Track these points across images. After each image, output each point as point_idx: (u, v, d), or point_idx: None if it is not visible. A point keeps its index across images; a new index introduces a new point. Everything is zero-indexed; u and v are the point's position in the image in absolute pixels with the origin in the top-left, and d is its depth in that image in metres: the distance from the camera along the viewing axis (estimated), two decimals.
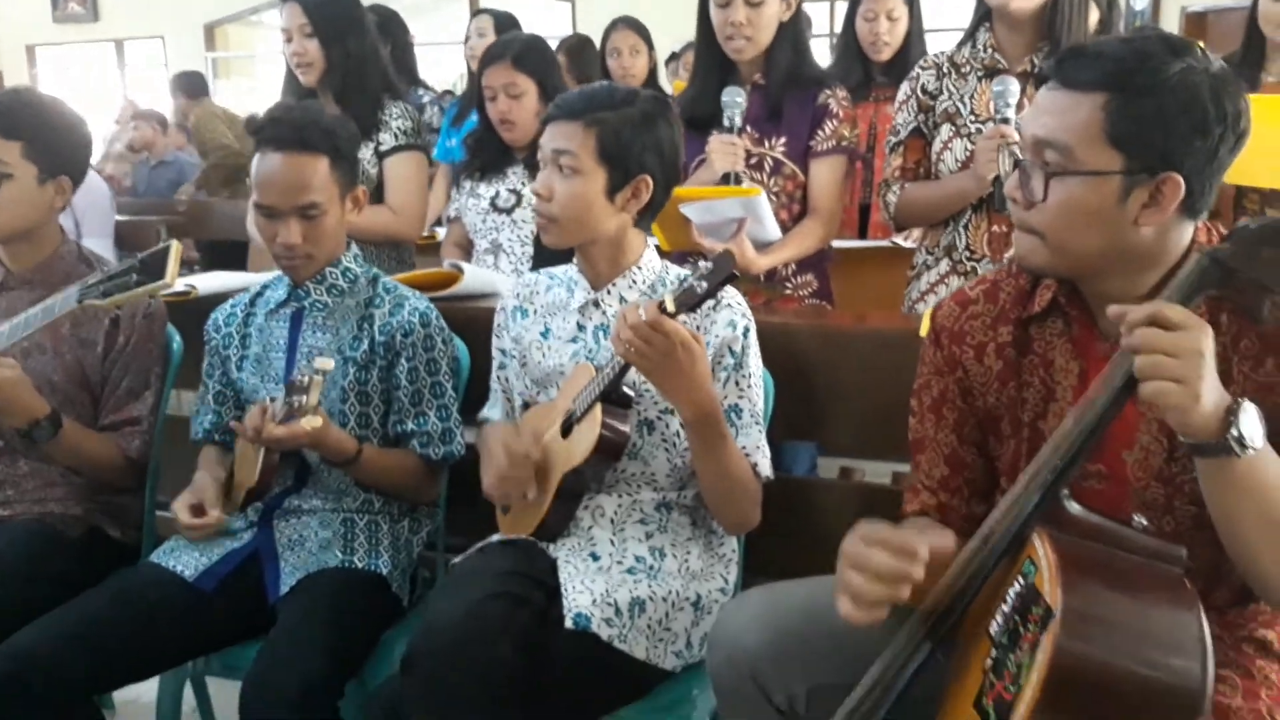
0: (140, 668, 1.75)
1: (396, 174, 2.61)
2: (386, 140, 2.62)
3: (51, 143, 1.97)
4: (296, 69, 2.61)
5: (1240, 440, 1.09)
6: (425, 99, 4.02)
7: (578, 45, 4.37)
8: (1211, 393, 1.09)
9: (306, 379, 1.67)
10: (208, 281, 2.40)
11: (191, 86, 6.87)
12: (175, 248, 1.72)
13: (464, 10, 11.48)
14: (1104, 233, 1.21)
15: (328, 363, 1.68)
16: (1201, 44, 1.21)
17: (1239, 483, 1.12)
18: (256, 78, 12.25)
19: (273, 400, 1.76)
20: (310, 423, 1.65)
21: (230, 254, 4.26)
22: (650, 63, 4.12)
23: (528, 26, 3.69)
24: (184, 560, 1.81)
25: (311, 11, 2.56)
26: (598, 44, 4.24)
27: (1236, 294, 1.16)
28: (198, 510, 1.80)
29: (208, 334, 1.99)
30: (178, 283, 2.32)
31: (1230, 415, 1.09)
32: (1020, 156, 1.27)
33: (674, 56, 5.08)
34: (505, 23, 3.78)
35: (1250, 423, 1.09)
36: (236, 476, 1.87)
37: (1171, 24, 7.80)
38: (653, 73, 4.16)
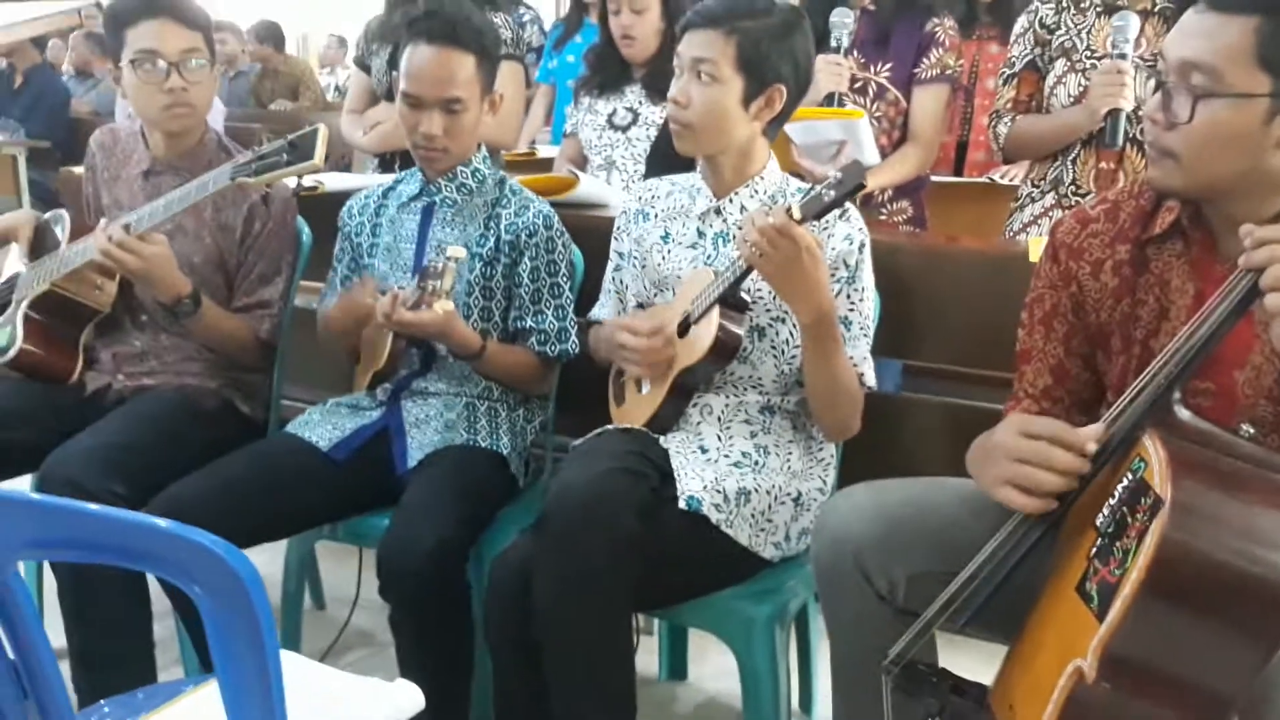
0: (275, 527, 1.90)
1: None
2: None
3: (210, 30, 2.10)
4: None
5: None
6: (526, 17, 4.08)
7: None
8: None
9: (441, 265, 1.76)
10: (334, 180, 2.51)
11: (275, 37, 7.15)
12: (323, 131, 1.82)
13: None
14: (1244, 155, 1.25)
15: (460, 251, 1.78)
16: None
17: None
18: None
19: (402, 288, 1.86)
20: (444, 306, 1.75)
21: None
22: None
23: None
24: (318, 432, 1.95)
25: None
26: None
27: None
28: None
29: (342, 220, 2.11)
30: (306, 179, 2.44)
31: None
32: (1163, 79, 1.31)
33: None
34: None
35: None
36: (364, 359, 1.99)
37: None
38: None
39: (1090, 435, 1.24)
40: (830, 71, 2.32)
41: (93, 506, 0.88)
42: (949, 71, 2.43)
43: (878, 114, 2.43)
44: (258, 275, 2.14)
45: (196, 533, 0.84)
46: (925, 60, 2.42)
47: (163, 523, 0.86)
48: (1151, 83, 1.54)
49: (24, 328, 2.06)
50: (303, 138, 1.83)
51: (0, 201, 4.75)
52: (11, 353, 2.05)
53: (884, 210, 2.52)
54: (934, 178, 2.75)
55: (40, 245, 2.18)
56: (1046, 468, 1.23)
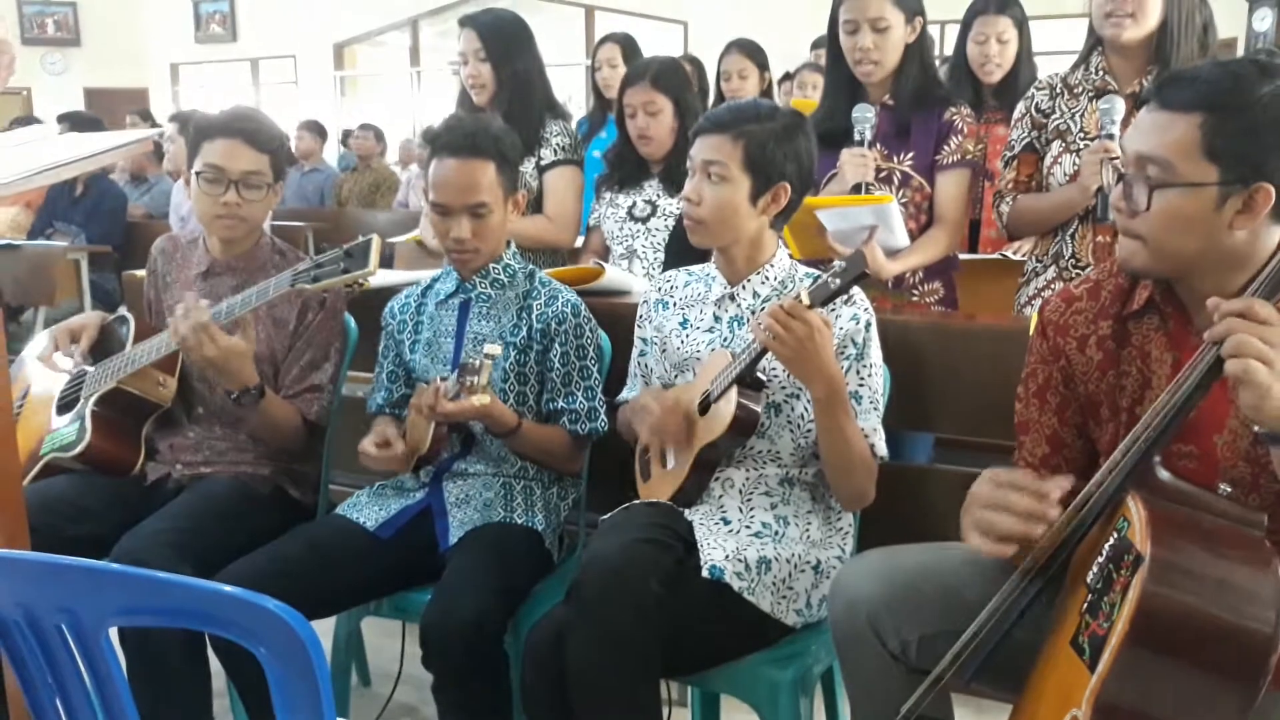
0: (326, 602, 2.01)
1: (554, 186, 2.85)
2: (547, 155, 2.85)
3: (279, 152, 2.28)
4: (471, 89, 2.88)
5: None
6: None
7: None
8: None
9: (478, 362, 1.89)
10: (377, 277, 2.66)
11: (384, 136, 7.67)
12: (376, 241, 1.98)
13: (577, 31, 11.86)
14: (1201, 237, 1.37)
15: (496, 349, 1.91)
16: None
17: None
18: (381, 95, 12.85)
19: (444, 380, 2.00)
20: (480, 400, 1.88)
21: None
22: (762, 84, 4.28)
23: (642, 49, 3.95)
24: (365, 514, 2.08)
25: (486, 37, 2.84)
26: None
27: None
28: (383, 446, 2.04)
29: (384, 320, 2.26)
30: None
31: None
32: (1123, 170, 1.44)
33: (788, 76, 5.27)
34: (631, 49, 4.01)
35: None
36: (408, 443, 2.12)
37: None
38: (765, 94, 4.33)
39: (1055, 484, 1.35)
40: (855, 164, 2.42)
41: (173, 576, 1.00)
42: (969, 157, 2.52)
43: (903, 199, 2.51)
44: (308, 362, 2.27)
45: (263, 599, 0.96)
46: (945, 147, 2.51)
47: (234, 589, 0.98)
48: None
49: (92, 423, 2.22)
50: (358, 246, 1.98)
51: (64, 304, 4.99)
52: (80, 446, 2.20)
53: (916, 292, 2.59)
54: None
55: (105, 344, 2.35)
56: (1008, 512, 1.34)
